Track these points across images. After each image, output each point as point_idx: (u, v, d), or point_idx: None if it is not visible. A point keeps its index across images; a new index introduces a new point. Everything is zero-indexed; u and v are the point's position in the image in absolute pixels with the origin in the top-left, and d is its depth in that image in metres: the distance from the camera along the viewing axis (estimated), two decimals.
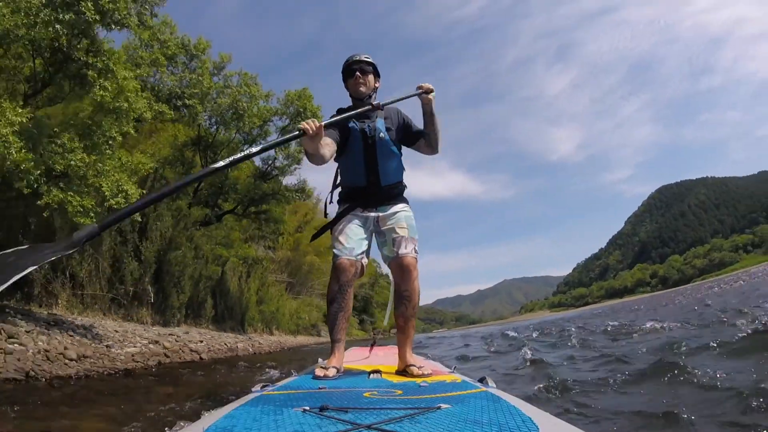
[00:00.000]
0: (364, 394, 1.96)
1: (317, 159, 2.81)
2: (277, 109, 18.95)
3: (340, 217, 3.05)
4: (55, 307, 10.91)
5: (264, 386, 2.36)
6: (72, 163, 6.83)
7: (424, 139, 3.14)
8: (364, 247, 3.02)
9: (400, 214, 3.07)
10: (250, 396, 2.04)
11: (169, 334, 12.90)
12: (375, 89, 3.17)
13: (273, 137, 18.83)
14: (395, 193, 3.14)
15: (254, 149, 2.45)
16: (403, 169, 3.23)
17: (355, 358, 3.79)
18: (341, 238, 2.95)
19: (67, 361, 7.41)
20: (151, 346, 10.72)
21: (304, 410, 1.57)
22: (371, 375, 2.73)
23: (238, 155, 2.40)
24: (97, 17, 7.69)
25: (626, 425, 3.07)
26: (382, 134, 3.02)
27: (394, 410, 1.60)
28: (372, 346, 4.37)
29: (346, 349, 3.55)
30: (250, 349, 17.02)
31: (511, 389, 4.23)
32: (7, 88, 8.46)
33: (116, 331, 10.72)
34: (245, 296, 23.89)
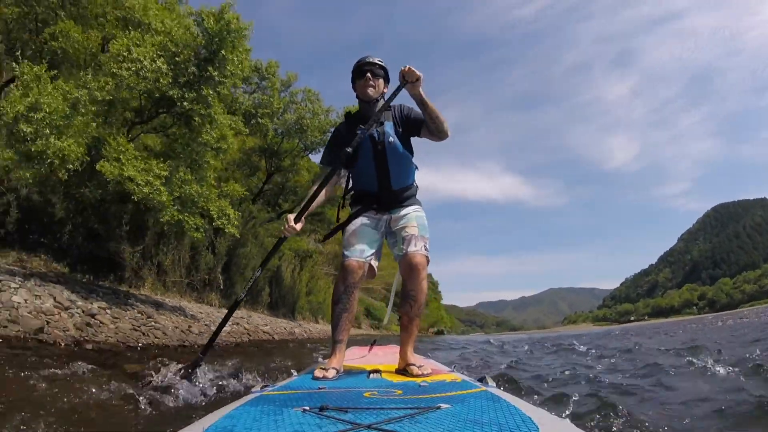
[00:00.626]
0: (364, 394, 1.98)
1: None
2: (335, 122, 20.98)
3: (352, 218, 3.09)
4: (141, 288, 13.02)
5: (264, 386, 2.40)
6: (187, 191, 8.91)
7: (426, 127, 3.12)
8: (374, 249, 3.04)
9: (412, 214, 3.10)
10: (250, 396, 2.07)
11: (240, 317, 14.99)
12: (382, 94, 3.18)
13: None
14: (407, 195, 3.18)
15: (258, 273, 3.41)
16: (414, 169, 3.25)
17: (354, 357, 3.76)
18: (351, 239, 2.99)
19: (195, 334, 9.69)
20: (234, 326, 12.84)
21: (304, 410, 1.58)
22: (371, 375, 2.74)
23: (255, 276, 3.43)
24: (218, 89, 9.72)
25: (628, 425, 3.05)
26: (391, 139, 3.04)
27: (394, 410, 1.61)
28: (372, 345, 4.35)
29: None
30: (305, 334, 19.14)
31: (512, 389, 4.40)
32: (118, 117, 10.28)
33: (200, 312, 12.83)
34: (297, 287, 25.99)
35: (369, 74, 3.07)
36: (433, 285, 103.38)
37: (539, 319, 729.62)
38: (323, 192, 3.06)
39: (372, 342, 4.62)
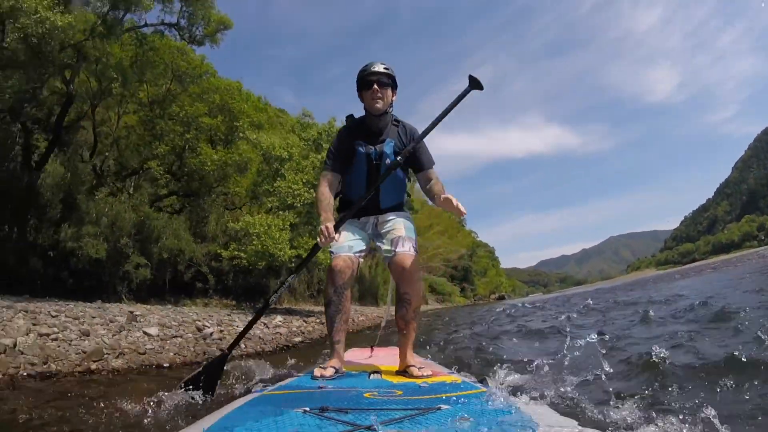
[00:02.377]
0: (365, 395, 1.98)
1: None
2: None
3: (338, 223, 2.90)
4: (281, 303, 18.97)
5: (264, 386, 2.45)
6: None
7: (425, 181, 3.07)
8: (362, 247, 2.98)
9: (399, 218, 3.05)
10: (251, 396, 2.08)
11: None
12: (391, 104, 3.03)
13: None
14: (395, 209, 3.13)
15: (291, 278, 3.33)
16: (405, 189, 3.22)
17: (355, 358, 3.65)
18: (338, 238, 2.86)
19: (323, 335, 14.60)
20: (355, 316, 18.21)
21: (305, 411, 1.57)
22: (371, 375, 2.73)
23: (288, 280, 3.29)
24: None
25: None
26: (388, 161, 2.95)
27: (395, 411, 1.61)
28: (372, 346, 4.35)
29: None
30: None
31: (512, 389, 3.71)
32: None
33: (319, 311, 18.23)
34: (376, 279, 31.83)
35: (376, 85, 2.90)
36: (490, 252, 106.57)
37: (603, 270, 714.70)
38: (329, 193, 3.01)
39: (372, 343, 4.54)
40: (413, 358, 2.85)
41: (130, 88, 14.30)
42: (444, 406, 1.63)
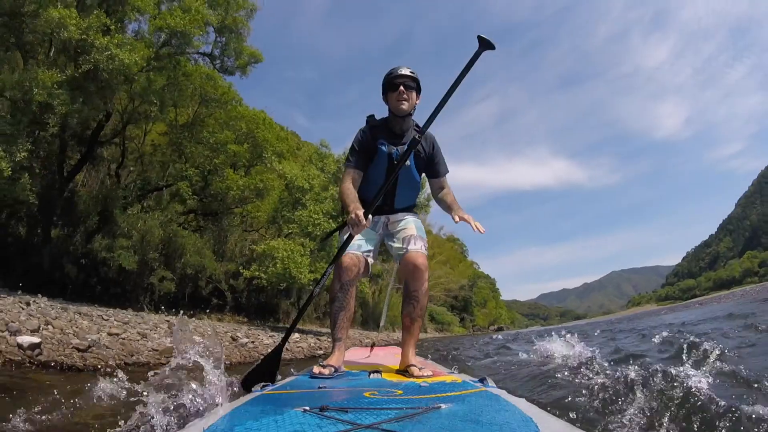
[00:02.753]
0: (365, 394, 1.97)
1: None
2: None
3: (366, 212, 2.84)
4: (286, 321, 20.10)
5: (264, 386, 2.42)
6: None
7: (437, 189, 3.20)
8: (371, 246, 3.00)
9: (410, 218, 3.10)
10: (251, 396, 2.08)
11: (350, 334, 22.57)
12: (415, 107, 3.07)
13: None
14: (406, 209, 3.18)
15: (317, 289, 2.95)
16: (419, 191, 3.25)
17: (355, 358, 3.66)
18: (368, 224, 2.81)
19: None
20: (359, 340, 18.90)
21: (305, 410, 1.57)
22: (371, 375, 2.73)
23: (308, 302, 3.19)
24: None
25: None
26: (408, 162, 2.98)
27: (395, 410, 1.61)
28: (372, 346, 4.35)
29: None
30: (387, 338, 24.74)
31: (512, 389, 4.01)
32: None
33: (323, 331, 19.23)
34: (379, 305, 32.80)
35: (402, 87, 2.94)
36: (491, 284, 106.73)
37: (604, 305, 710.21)
38: (353, 188, 3.00)
39: (372, 342, 4.26)
40: (414, 358, 2.85)
41: (165, 111, 15.38)
42: (444, 406, 1.64)
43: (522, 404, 1.68)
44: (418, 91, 3.04)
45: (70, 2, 9.50)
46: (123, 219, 13.89)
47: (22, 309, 7.35)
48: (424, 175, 3.24)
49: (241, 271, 16.15)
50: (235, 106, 18.71)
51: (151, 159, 18.20)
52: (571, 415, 2.90)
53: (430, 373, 2.58)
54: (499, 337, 19.03)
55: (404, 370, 2.72)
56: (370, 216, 2.73)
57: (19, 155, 8.52)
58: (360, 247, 2.91)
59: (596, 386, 3.27)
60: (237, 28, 16.39)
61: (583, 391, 3.36)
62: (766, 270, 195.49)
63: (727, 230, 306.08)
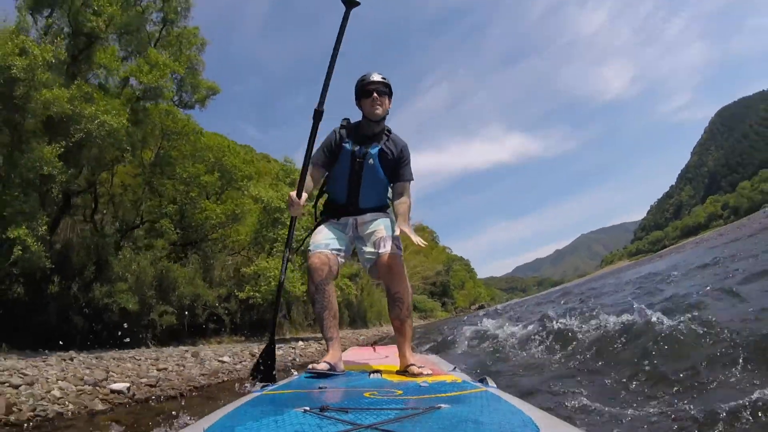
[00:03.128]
0: (365, 394, 1.98)
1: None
2: None
3: (317, 225, 3.12)
4: (288, 332, 21.76)
5: (264, 386, 2.44)
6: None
7: (397, 194, 3.18)
8: (341, 246, 3.03)
9: (379, 219, 3.11)
10: (250, 396, 2.09)
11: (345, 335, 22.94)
12: (388, 111, 3.14)
13: None
14: (375, 210, 3.19)
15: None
16: (387, 191, 3.26)
17: (355, 358, 3.74)
18: (316, 236, 3.02)
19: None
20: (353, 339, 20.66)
21: (305, 410, 1.58)
22: (371, 375, 2.75)
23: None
24: None
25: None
26: (371, 161, 3.05)
27: (395, 410, 1.63)
28: (373, 345, 4.33)
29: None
30: (390, 334, 25.64)
31: (512, 389, 4.18)
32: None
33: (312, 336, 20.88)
34: (363, 303, 34.42)
35: (375, 94, 3.04)
36: (466, 265, 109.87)
37: (579, 267, 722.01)
38: (310, 179, 3.10)
39: (373, 342, 3.76)
40: (413, 357, 2.86)
41: (137, 154, 16.13)
42: (444, 406, 1.63)
43: (522, 404, 1.69)
44: (390, 95, 3.15)
45: (55, 78, 10.30)
46: (116, 263, 14.63)
47: (69, 363, 8.43)
48: None
49: (236, 293, 17.22)
50: (199, 137, 19.32)
51: (122, 199, 18.71)
52: (569, 417, 3.13)
53: (430, 372, 2.63)
54: (481, 314, 20.81)
55: (404, 370, 2.76)
56: (304, 194, 2.99)
57: (40, 230, 9.41)
58: (328, 245, 2.98)
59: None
60: (192, 64, 17.35)
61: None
62: (728, 212, 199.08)
63: (686, 179, 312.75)
